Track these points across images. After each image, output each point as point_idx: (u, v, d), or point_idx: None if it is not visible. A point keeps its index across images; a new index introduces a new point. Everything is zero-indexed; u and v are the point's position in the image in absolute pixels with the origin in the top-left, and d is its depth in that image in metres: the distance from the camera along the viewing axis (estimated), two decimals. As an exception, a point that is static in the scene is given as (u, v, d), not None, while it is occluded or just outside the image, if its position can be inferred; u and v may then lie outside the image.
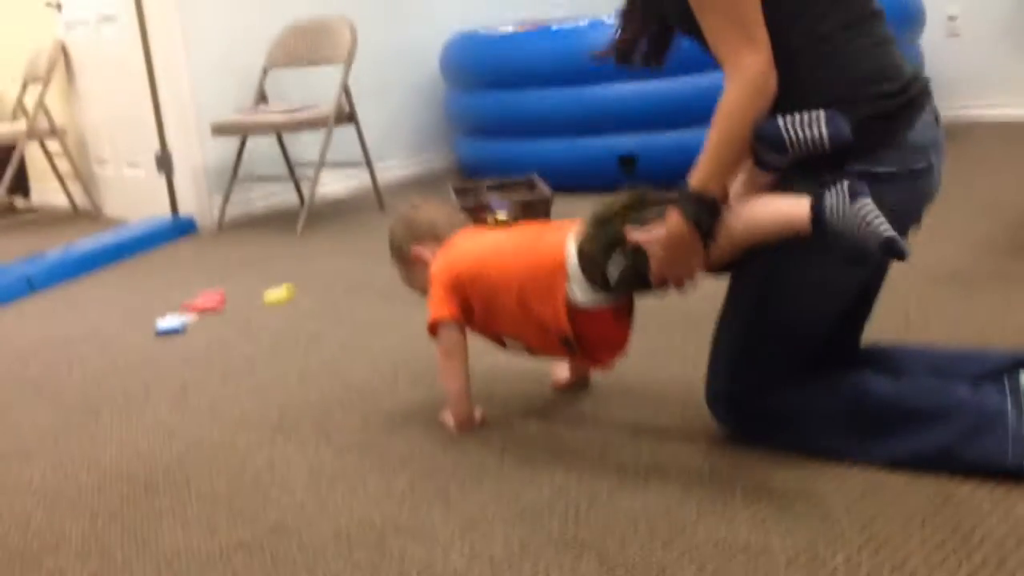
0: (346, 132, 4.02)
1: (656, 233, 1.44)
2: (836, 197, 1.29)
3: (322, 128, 3.87)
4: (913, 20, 4.05)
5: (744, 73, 1.35)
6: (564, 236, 1.59)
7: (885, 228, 1.25)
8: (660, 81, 3.84)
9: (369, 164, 4.12)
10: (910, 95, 1.40)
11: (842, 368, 1.51)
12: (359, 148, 4.06)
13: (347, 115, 3.98)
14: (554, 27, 4.02)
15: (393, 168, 4.76)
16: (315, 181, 3.86)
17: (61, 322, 2.80)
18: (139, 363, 2.32)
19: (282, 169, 4.22)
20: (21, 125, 4.53)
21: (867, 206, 1.27)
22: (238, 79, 4.18)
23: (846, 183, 1.30)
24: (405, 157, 4.87)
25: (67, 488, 1.66)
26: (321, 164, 3.87)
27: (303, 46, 4.13)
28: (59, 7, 4.50)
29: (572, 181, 3.89)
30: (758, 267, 1.46)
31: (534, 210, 3.10)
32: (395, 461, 1.63)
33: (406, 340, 2.23)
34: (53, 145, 4.81)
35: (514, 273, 1.63)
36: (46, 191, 5.23)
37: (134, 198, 4.41)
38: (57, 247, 3.71)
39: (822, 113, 1.31)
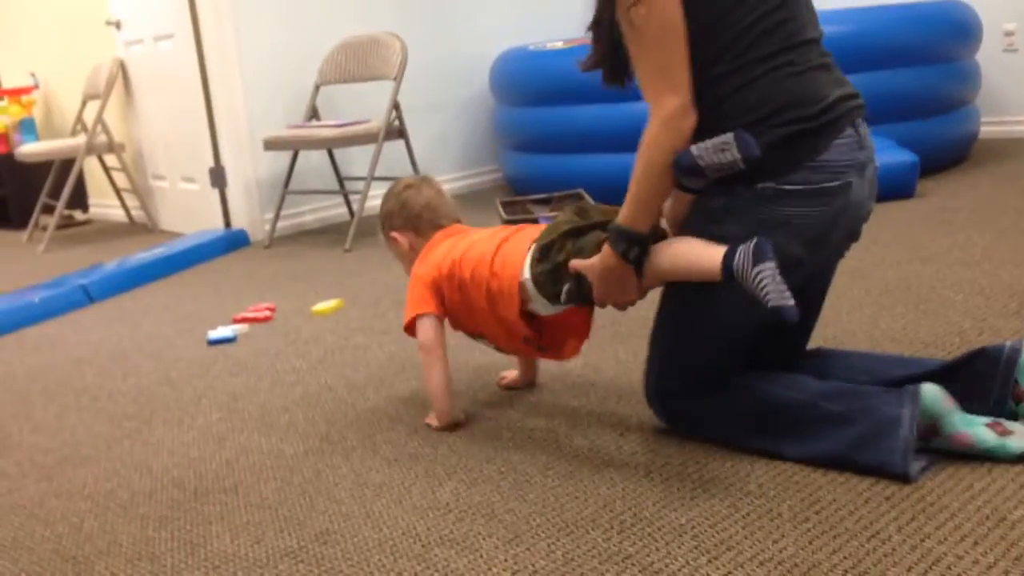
0: (396, 147, 4.06)
1: (592, 263, 1.58)
2: (742, 257, 1.42)
3: (372, 143, 3.92)
4: (969, 35, 3.99)
5: (663, 112, 1.47)
6: (526, 249, 1.71)
7: (772, 298, 1.37)
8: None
9: (418, 179, 4.14)
10: (825, 119, 1.48)
11: (768, 371, 1.63)
12: (408, 163, 4.10)
13: (397, 130, 4.02)
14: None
15: (442, 183, 4.78)
16: (364, 196, 3.90)
17: (116, 332, 2.85)
18: (191, 372, 2.36)
19: (332, 184, 4.28)
20: (80, 140, 4.64)
21: (764, 271, 1.38)
22: (290, 95, 4.25)
23: (752, 245, 1.41)
24: (454, 172, 4.91)
25: (119, 493, 1.69)
26: (371, 179, 3.90)
27: (354, 62, 4.19)
28: (118, 25, 4.61)
29: (619, 195, 3.89)
30: (682, 285, 1.58)
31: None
32: (440, 472, 1.63)
33: (453, 353, 2.24)
34: (111, 160, 4.91)
35: (483, 276, 1.74)
36: (104, 205, 5.35)
37: (188, 212, 4.49)
38: (114, 259, 3.79)
39: (730, 136, 1.43)
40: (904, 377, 1.59)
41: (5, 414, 2.18)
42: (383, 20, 4.31)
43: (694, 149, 1.45)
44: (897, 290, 2.40)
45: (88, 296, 3.30)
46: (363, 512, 1.52)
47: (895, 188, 3.53)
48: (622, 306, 1.63)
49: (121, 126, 4.86)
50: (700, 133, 1.47)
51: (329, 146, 4.03)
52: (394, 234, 1.96)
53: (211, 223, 4.26)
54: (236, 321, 2.79)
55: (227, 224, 4.22)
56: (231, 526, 1.52)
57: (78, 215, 5.36)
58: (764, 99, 1.48)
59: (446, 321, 1.87)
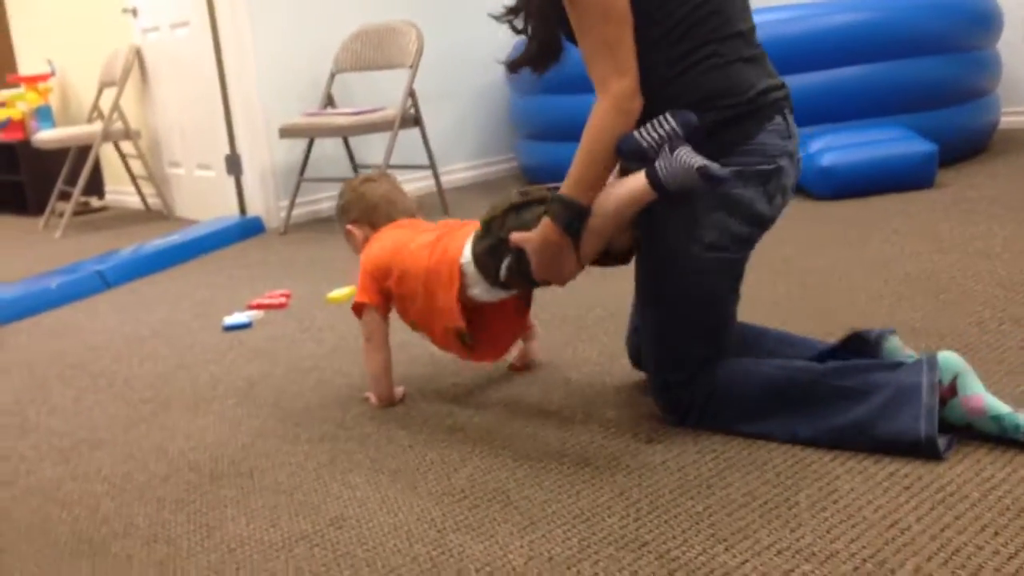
0: (411, 135, 4.06)
1: (531, 236, 1.59)
2: (662, 157, 1.48)
3: (388, 131, 3.91)
4: (990, 24, 3.95)
5: (610, 95, 1.50)
6: (468, 236, 1.73)
7: (697, 160, 1.44)
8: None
9: (434, 167, 4.14)
10: (754, 106, 1.55)
11: (763, 353, 1.68)
12: (424, 151, 4.09)
13: (413, 119, 4.01)
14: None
15: (457, 171, 4.79)
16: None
17: (133, 317, 2.86)
18: (206, 357, 2.37)
19: (348, 171, 4.27)
20: (97, 127, 4.65)
21: (682, 150, 1.46)
22: (306, 83, 4.25)
23: (666, 144, 1.48)
24: (469, 160, 4.90)
25: (136, 476, 1.69)
26: (386, 167, 3.90)
27: (370, 50, 4.18)
28: (135, 13, 4.61)
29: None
30: (648, 267, 1.64)
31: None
32: (455, 458, 1.63)
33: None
34: (127, 147, 4.93)
35: (422, 266, 1.77)
36: (120, 192, 5.37)
37: (204, 199, 4.50)
38: (130, 245, 3.81)
39: (667, 113, 1.49)
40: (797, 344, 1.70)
41: (23, 398, 2.19)
42: (399, 8, 4.30)
43: (635, 133, 1.50)
44: (916, 280, 2.38)
45: (104, 282, 3.31)
46: (378, 497, 1.52)
47: (914, 178, 3.50)
48: (560, 282, 1.65)
49: (137, 113, 4.87)
50: (639, 122, 1.52)
51: (345, 134, 4.03)
52: (350, 227, 2.01)
53: (226, 210, 4.26)
54: (251, 307, 2.79)
55: (242, 211, 4.23)
56: (246, 510, 1.52)
57: (94, 202, 5.38)
58: (695, 88, 1.54)
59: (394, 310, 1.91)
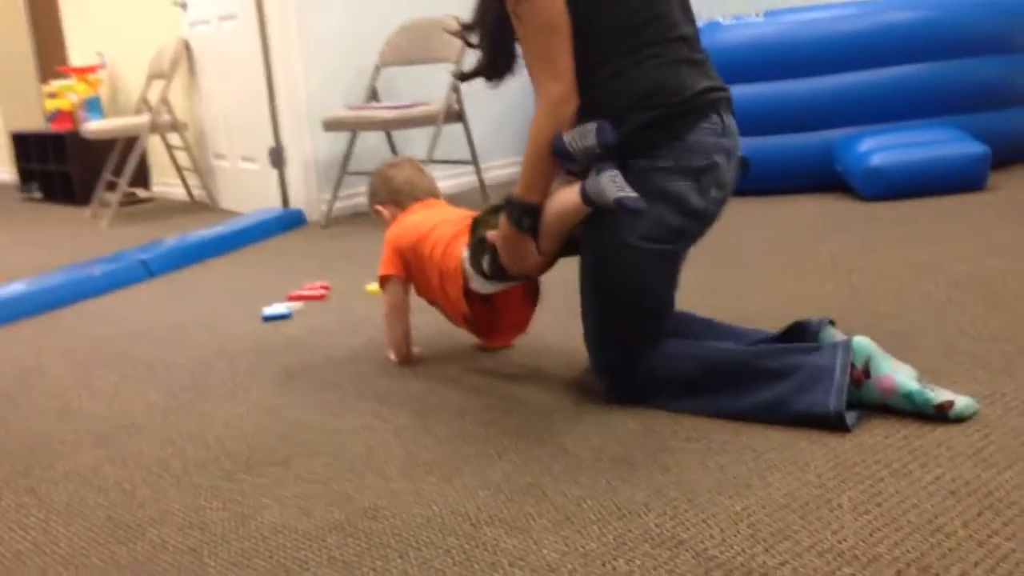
0: (454, 130, 4.05)
1: (496, 234, 1.77)
2: (591, 177, 1.63)
3: (431, 126, 3.91)
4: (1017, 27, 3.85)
5: (547, 100, 1.65)
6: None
7: (614, 192, 1.58)
8: (772, 85, 3.76)
9: (476, 162, 4.14)
10: (690, 106, 1.66)
11: (691, 337, 1.78)
12: (467, 146, 4.08)
13: (456, 113, 4.01)
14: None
15: (499, 167, 4.77)
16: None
17: (174, 306, 2.88)
18: (246, 347, 2.38)
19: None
20: (144, 119, 4.70)
21: (604, 178, 1.60)
22: (351, 77, 4.26)
23: (597, 166, 1.62)
24: (511, 156, 4.88)
25: (172, 463, 1.70)
26: (429, 161, 3.90)
27: (415, 45, 4.18)
28: (184, 6, 4.66)
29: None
30: (588, 256, 1.75)
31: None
32: (491, 452, 1.62)
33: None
34: (174, 139, 4.98)
35: (439, 253, 1.95)
36: (166, 183, 5.43)
37: (248, 191, 4.54)
38: (173, 236, 3.84)
39: (592, 125, 1.61)
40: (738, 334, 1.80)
41: (65, 383, 2.22)
42: (444, 3, 4.28)
43: (565, 136, 1.63)
44: (967, 284, 2.33)
45: (148, 271, 3.34)
46: (412, 489, 1.50)
47: (966, 180, 3.43)
48: (528, 272, 1.82)
49: (184, 105, 4.92)
50: (580, 120, 1.65)
51: (388, 128, 4.03)
52: (378, 207, 2.20)
53: (269, 203, 4.29)
54: (291, 299, 2.80)
55: (285, 204, 4.25)
56: (281, 498, 1.52)
57: (141, 192, 5.44)
58: (632, 87, 1.65)
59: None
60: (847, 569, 1.17)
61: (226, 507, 1.51)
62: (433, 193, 2.21)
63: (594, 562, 1.24)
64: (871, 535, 1.24)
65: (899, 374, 1.58)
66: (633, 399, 1.75)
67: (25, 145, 6.01)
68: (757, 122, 3.80)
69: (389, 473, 1.57)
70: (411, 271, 2.06)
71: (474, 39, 1.83)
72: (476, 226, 1.86)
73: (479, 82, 1.88)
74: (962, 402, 1.57)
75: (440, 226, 2.00)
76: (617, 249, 1.70)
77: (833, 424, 1.54)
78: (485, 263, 1.82)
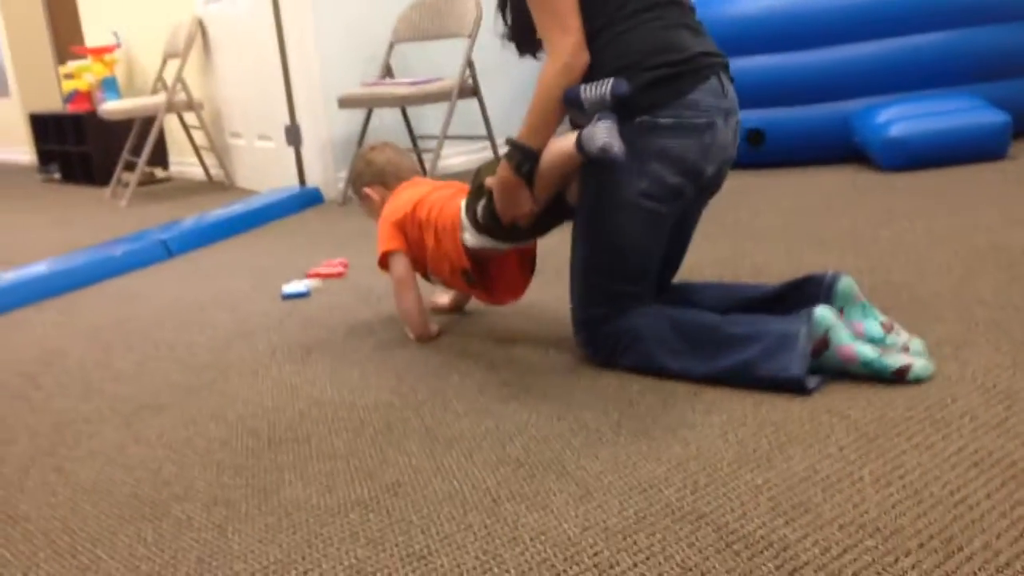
0: (469, 106, 4.04)
1: (493, 178, 1.82)
2: (588, 127, 1.68)
3: (446, 102, 3.90)
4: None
5: (558, 53, 1.70)
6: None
7: (602, 139, 1.64)
8: (788, 55, 3.72)
9: (491, 138, 4.13)
10: (692, 66, 1.71)
11: (669, 301, 1.86)
12: (482, 122, 4.07)
13: (471, 89, 3.99)
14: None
15: (515, 143, 4.75)
16: (437, 154, 3.89)
17: (194, 285, 2.90)
18: (265, 325, 2.39)
19: (406, 142, 4.28)
20: (161, 99, 4.71)
21: (600, 128, 1.65)
22: (365, 54, 4.25)
23: (597, 115, 1.67)
24: (527, 132, 4.86)
25: (196, 441, 1.72)
26: (444, 137, 3.89)
27: (429, 20, 4.16)
28: (198, -16, 4.65)
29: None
30: (584, 209, 1.80)
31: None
32: (510, 427, 1.62)
33: (524, 307, 2.23)
34: (190, 118, 4.99)
35: (435, 214, 2.01)
36: (183, 162, 5.45)
37: (264, 169, 4.55)
38: (192, 215, 3.86)
39: (610, 79, 1.66)
40: (748, 298, 1.85)
41: (87, 362, 2.24)
42: (458, -23, 4.26)
43: (580, 87, 1.68)
44: (986, 253, 2.31)
45: (167, 250, 3.36)
46: (433, 465, 1.51)
47: (986, 149, 3.40)
48: (519, 217, 1.84)
49: (200, 84, 4.92)
50: (585, 79, 1.71)
51: (403, 104, 4.02)
52: (366, 190, 2.27)
53: (286, 181, 4.30)
54: (309, 276, 2.81)
55: (302, 182, 4.25)
56: (303, 475, 1.53)
57: (158, 172, 5.47)
58: (635, 47, 1.71)
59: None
60: (869, 542, 1.17)
61: (249, 484, 1.52)
62: (416, 172, 2.30)
63: (615, 536, 1.25)
64: (893, 507, 1.24)
65: (859, 343, 1.63)
66: (606, 355, 1.82)
67: (43, 126, 6.04)
68: (774, 93, 3.77)
69: (410, 449, 1.58)
70: (411, 244, 2.10)
71: (508, 17, 1.92)
72: (478, 173, 1.90)
73: (493, 57, 1.93)
74: (918, 365, 1.63)
75: (436, 191, 2.10)
76: (613, 204, 1.75)
77: (794, 388, 1.61)
78: (480, 208, 1.87)
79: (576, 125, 1.75)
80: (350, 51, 4.23)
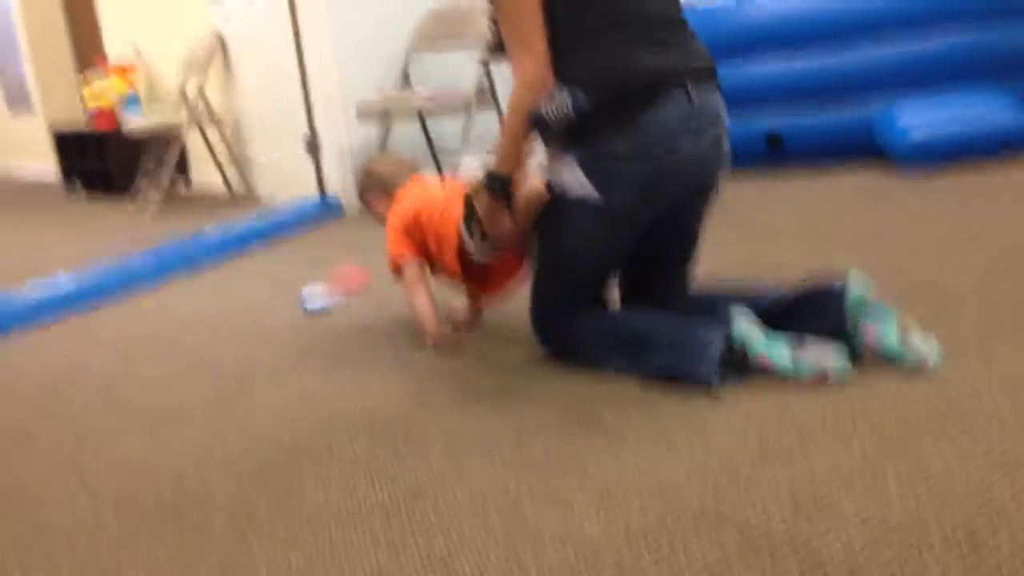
0: (487, 116, 4.04)
1: (479, 203, 1.89)
2: (553, 169, 1.78)
3: (464, 112, 3.91)
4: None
5: (523, 76, 1.74)
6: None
7: (576, 190, 1.74)
8: (808, 57, 3.71)
9: (510, 146, 4.12)
10: (648, 87, 1.70)
11: (636, 306, 1.96)
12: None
13: (489, 98, 4.00)
14: (699, 6, 3.92)
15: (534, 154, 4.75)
16: (457, 164, 3.89)
17: (218, 297, 2.92)
18: (287, 337, 2.40)
19: (425, 151, 4.29)
20: (183, 115, 4.75)
21: (565, 173, 1.75)
22: (382, 64, 4.27)
23: (561, 159, 1.76)
24: (546, 140, 4.87)
25: (218, 449, 1.72)
26: (462, 147, 3.90)
27: (446, 30, 4.18)
28: (220, 3, 4.69)
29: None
30: (542, 225, 1.88)
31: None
32: (530, 429, 1.62)
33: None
34: (211, 132, 5.03)
35: (436, 219, 2.07)
36: (205, 175, 5.49)
37: (285, 181, 4.58)
38: (214, 227, 3.88)
39: (566, 95, 1.70)
40: (754, 299, 1.84)
41: (111, 373, 2.25)
42: (474, -13, 4.27)
43: (542, 109, 1.72)
44: (1012, 252, 2.29)
45: (190, 263, 3.38)
46: (453, 468, 1.51)
47: (1010, 149, 3.36)
48: (504, 237, 1.91)
49: (220, 98, 4.96)
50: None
51: (421, 114, 4.04)
52: (371, 200, 2.36)
53: (306, 191, 4.32)
54: (331, 287, 2.82)
55: (321, 191, 4.28)
56: (325, 481, 1.53)
57: (181, 186, 5.51)
58: (592, 67, 1.72)
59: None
60: (892, 538, 1.16)
61: (271, 491, 1.53)
62: (416, 171, 2.37)
63: (636, 538, 1.24)
64: (917, 506, 1.23)
65: (773, 351, 1.68)
66: (561, 352, 1.92)
67: (67, 144, 6.11)
68: (794, 95, 3.75)
69: (430, 453, 1.58)
70: (417, 247, 2.16)
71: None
72: (467, 198, 1.95)
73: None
74: (837, 370, 1.66)
75: (434, 195, 2.15)
76: (567, 227, 1.82)
77: (701, 383, 1.68)
78: (475, 231, 1.94)
79: (546, 141, 1.81)
80: (368, 60, 4.25)
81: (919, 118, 3.45)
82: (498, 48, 1.91)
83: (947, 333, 1.80)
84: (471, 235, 1.94)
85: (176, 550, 1.37)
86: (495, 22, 1.87)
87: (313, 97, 4.19)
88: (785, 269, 2.40)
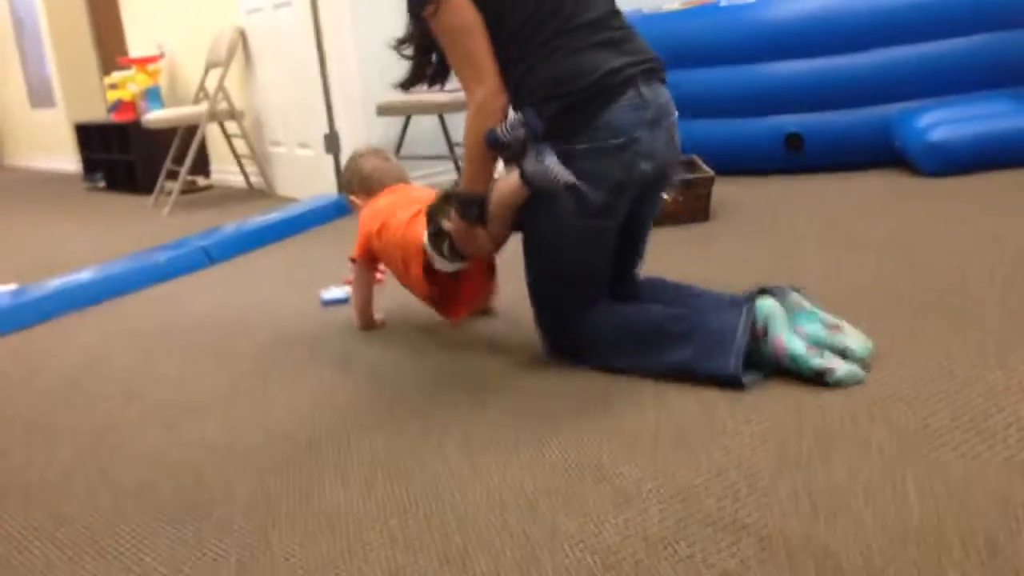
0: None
1: (450, 223, 1.91)
2: (531, 162, 1.76)
3: (483, 108, 3.90)
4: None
5: (475, 100, 1.77)
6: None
7: (555, 175, 1.74)
8: (828, 59, 3.69)
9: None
10: (601, 88, 1.73)
11: (624, 300, 1.93)
12: (519, 128, 4.07)
13: (508, 95, 4.00)
14: (723, 4, 3.91)
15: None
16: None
17: (235, 292, 2.93)
18: (305, 331, 2.41)
19: (444, 149, 4.29)
20: (203, 108, 4.77)
21: (547, 163, 1.73)
22: (403, 61, 4.26)
23: (535, 150, 1.75)
24: (564, 139, 4.86)
25: (236, 445, 1.73)
26: (482, 144, 3.90)
27: (467, 27, 4.17)
28: (239, -6, 4.70)
29: (733, 161, 3.79)
30: (526, 233, 1.89)
31: (695, 191, 3.03)
32: (548, 430, 1.62)
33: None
34: (231, 126, 5.05)
35: (399, 238, 2.11)
36: (224, 170, 5.51)
37: (304, 177, 4.59)
38: (233, 223, 3.90)
39: (518, 116, 1.75)
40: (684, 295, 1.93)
41: (130, 367, 2.27)
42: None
43: (497, 129, 1.75)
44: (1033, 258, 2.27)
45: (209, 257, 3.40)
46: (470, 468, 1.52)
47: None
48: (482, 256, 1.98)
49: (241, 93, 4.98)
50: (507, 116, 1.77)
51: (441, 111, 4.04)
52: (353, 197, 2.42)
53: (325, 188, 4.33)
54: (348, 283, 2.82)
55: (340, 189, 4.28)
56: (343, 477, 1.54)
57: (200, 180, 5.54)
58: (543, 80, 1.75)
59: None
60: (910, 544, 1.16)
61: (289, 487, 1.54)
62: (402, 179, 2.41)
63: (655, 545, 1.24)
64: (936, 512, 1.22)
65: (792, 336, 1.69)
66: (570, 356, 1.92)
67: (89, 135, 6.14)
68: (813, 98, 3.73)
69: (447, 452, 1.59)
70: (377, 254, 2.26)
71: (407, 51, 2.02)
72: (431, 216, 1.98)
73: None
74: (843, 370, 1.66)
75: (399, 212, 2.17)
76: (550, 226, 1.83)
77: (732, 385, 1.68)
78: (445, 249, 1.97)
79: (506, 160, 1.84)
80: (389, 59, 4.25)
81: (938, 121, 3.43)
82: (418, 81, 2.04)
83: (966, 339, 1.79)
84: (439, 252, 1.98)
85: (195, 545, 1.38)
86: (416, 55, 1.99)
87: (333, 94, 4.19)
88: (799, 272, 2.39)
